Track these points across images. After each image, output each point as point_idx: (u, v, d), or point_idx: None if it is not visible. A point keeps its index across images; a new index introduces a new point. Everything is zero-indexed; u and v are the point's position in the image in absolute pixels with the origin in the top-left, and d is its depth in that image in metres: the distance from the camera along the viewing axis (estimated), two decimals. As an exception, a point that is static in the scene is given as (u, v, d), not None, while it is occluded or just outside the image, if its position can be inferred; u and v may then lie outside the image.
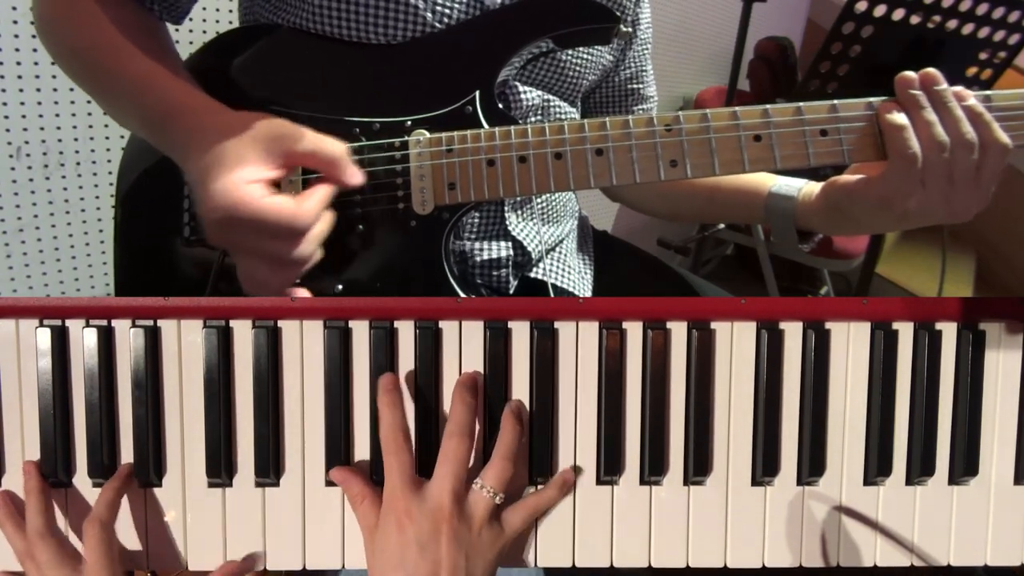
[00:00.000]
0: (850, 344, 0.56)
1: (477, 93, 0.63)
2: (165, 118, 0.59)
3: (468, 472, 0.51)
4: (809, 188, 0.70)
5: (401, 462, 0.50)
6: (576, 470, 0.54)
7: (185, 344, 0.53)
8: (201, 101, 0.60)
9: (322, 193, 0.56)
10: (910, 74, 0.57)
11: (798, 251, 2.11)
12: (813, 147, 0.58)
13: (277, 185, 0.57)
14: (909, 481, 0.56)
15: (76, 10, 0.65)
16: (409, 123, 0.62)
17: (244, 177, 0.52)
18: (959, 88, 0.57)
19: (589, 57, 0.76)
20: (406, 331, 0.54)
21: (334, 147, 0.56)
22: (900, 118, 0.56)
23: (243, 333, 0.53)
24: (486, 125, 0.62)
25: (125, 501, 0.53)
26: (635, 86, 0.88)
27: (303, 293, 0.57)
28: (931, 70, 0.56)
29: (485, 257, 0.74)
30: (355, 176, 0.58)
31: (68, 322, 0.53)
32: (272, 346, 0.53)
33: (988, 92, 0.57)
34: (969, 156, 0.55)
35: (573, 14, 0.64)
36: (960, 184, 0.56)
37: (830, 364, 0.55)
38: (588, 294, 0.85)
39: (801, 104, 0.58)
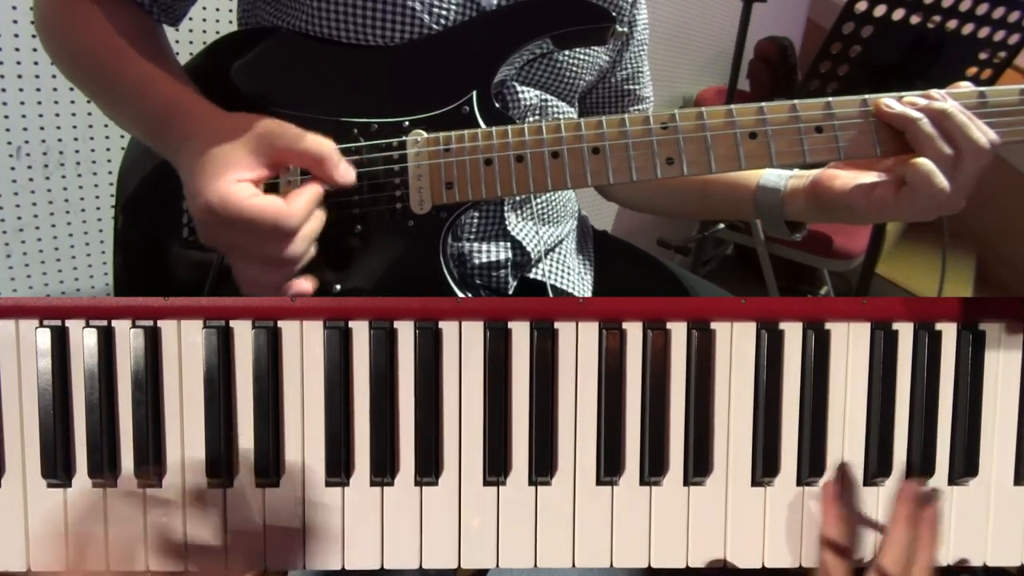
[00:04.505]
0: (850, 344, 0.56)
1: (474, 93, 0.63)
2: (163, 120, 0.60)
3: None
4: (795, 180, 0.70)
5: None
6: (575, 470, 0.54)
7: (185, 344, 0.53)
8: (198, 104, 0.60)
9: (310, 192, 0.55)
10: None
11: (793, 245, 2.10)
12: (808, 144, 0.58)
13: (275, 187, 0.57)
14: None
15: (75, 13, 0.65)
16: (407, 123, 0.62)
17: (232, 177, 0.53)
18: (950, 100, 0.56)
19: (586, 58, 0.76)
20: (406, 331, 0.54)
21: (322, 145, 0.56)
22: (929, 164, 0.55)
23: (243, 333, 0.53)
24: (483, 125, 0.62)
25: (123, 503, 0.53)
26: (631, 87, 0.88)
27: (306, 285, 0.57)
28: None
29: (484, 258, 0.74)
30: (346, 174, 0.57)
31: (68, 322, 0.53)
32: (272, 346, 0.53)
33: (984, 89, 0.57)
34: (978, 162, 0.55)
35: (569, 15, 0.64)
36: (959, 188, 0.56)
37: (830, 364, 0.55)
38: (588, 295, 0.85)
39: (796, 101, 0.58)
